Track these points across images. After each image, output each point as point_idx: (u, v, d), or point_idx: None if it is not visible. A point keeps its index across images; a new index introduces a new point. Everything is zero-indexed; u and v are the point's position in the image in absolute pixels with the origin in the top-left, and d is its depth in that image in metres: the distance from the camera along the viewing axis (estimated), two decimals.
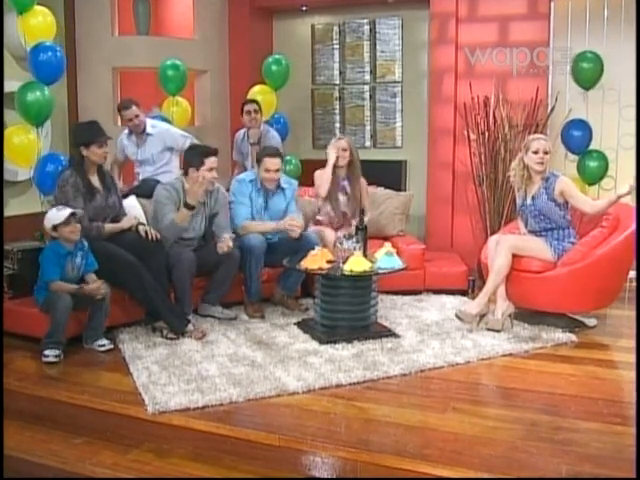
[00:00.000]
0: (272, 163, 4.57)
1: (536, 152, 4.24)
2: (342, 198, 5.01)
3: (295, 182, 4.94)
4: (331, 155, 4.94)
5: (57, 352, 3.73)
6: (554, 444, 2.73)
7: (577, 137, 5.54)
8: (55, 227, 3.81)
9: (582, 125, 5.54)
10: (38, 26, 4.79)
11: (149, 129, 5.20)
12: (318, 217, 5.05)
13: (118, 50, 6.13)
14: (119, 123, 5.43)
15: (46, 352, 3.71)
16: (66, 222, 3.79)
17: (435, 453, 2.66)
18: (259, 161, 4.63)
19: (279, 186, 4.71)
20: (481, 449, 2.70)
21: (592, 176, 5.53)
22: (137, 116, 5.12)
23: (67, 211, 3.81)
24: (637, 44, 5.14)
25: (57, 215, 3.80)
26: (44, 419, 3.20)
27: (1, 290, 4.22)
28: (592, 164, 5.51)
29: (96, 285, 3.87)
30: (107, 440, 2.98)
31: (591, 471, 2.52)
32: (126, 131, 5.32)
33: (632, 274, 5.46)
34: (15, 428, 3.12)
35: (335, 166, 4.94)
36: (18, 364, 3.74)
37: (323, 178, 4.95)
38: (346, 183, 5.03)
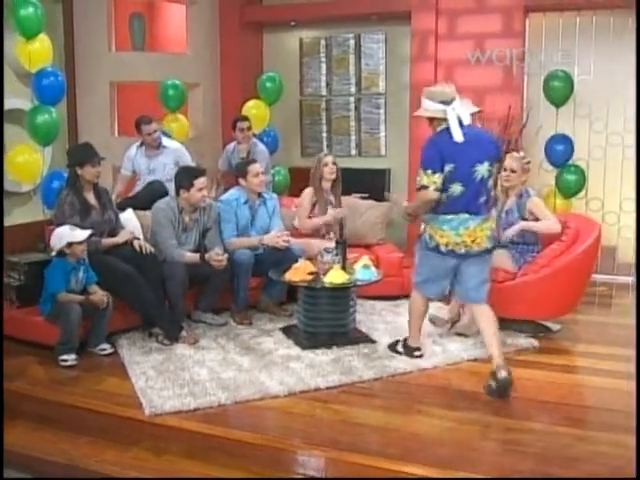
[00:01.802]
0: (257, 167, 4.96)
1: (505, 170, 4.54)
2: (330, 211, 5.30)
3: (275, 195, 5.29)
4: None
5: (74, 356, 4.08)
6: (502, 444, 3.10)
7: (559, 151, 5.94)
8: (70, 244, 4.12)
9: (564, 139, 5.92)
10: (36, 51, 5.11)
11: (165, 142, 5.57)
12: (302, 231, 5.32)
13: (115, 65, 6.42)
14: (138, 135, 5.62)
15: (64, 357, 4.05)
16: (82, 242, 4.13)
17: (396, 452, 3.00)
18: (244, 174, 4.95)
19: (261, 196, 5.04)
20: (438, 448, 3.06)
21: (569, 189, 5.96)
22: (155, 131, 5.49)
23: (86, 232, 4.14)
24: (637, 46, 5.37)
25: (72, 234, 4.11)
26: (52, 420, 3.49)
27: (1, 296, 4.46)
28: (570, 177, 5.94)
29: (101, 295, 4.20)
30: (109, 439, 3.29)
31: (531, 468, 2.87)
32: (137, 144, 5.62)
33: (598, 278, 5.84)
34: (26, 429, 3.44)
35: (323, 180, 5.28)
36: (30, 370, 4.03)
37: (307, 223, 5.26)
38: (332, 197, 5.37)
